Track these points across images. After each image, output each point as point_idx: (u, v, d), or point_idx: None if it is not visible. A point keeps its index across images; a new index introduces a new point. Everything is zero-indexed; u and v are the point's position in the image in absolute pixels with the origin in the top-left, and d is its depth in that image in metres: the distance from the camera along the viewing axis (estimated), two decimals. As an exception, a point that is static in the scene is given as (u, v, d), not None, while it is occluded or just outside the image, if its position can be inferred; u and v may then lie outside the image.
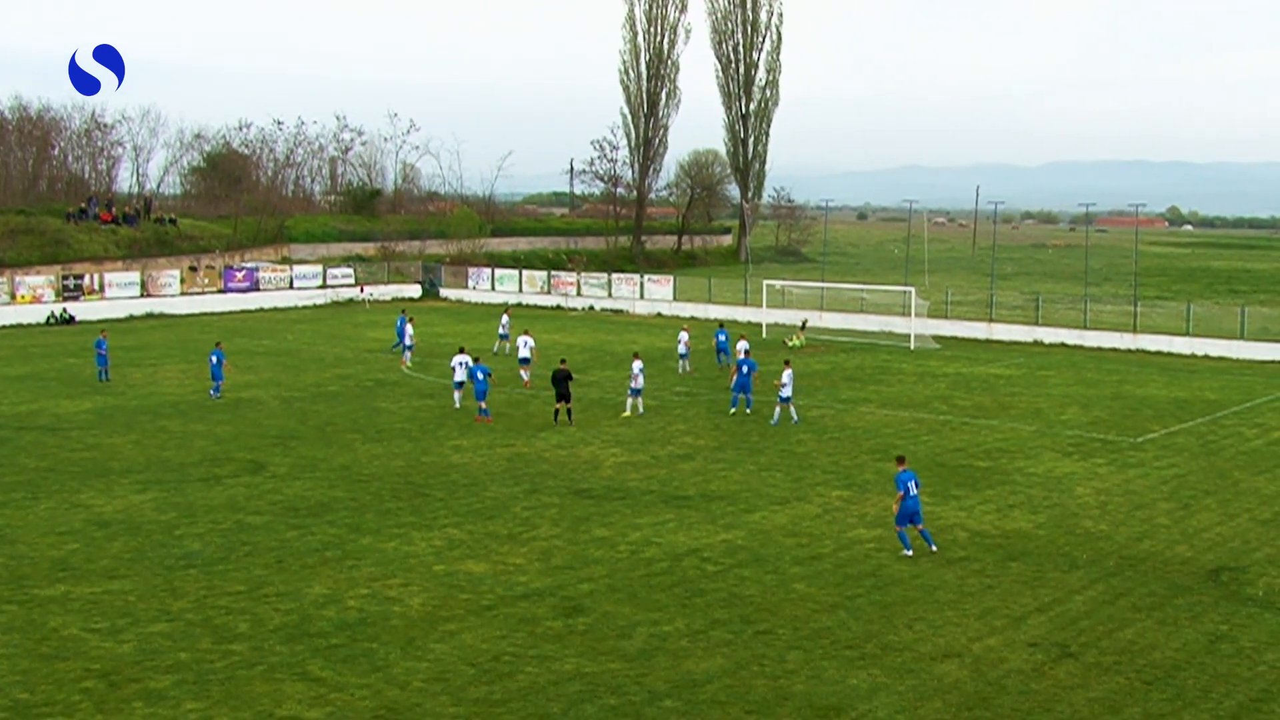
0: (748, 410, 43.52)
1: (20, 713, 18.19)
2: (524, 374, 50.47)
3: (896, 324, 71.69)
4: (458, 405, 44.06)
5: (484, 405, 42.58)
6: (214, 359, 46.15)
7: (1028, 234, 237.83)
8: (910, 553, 26.85)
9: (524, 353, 51.22)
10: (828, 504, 31.50)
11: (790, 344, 64.75)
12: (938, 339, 68.27)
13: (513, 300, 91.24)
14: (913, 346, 65.87)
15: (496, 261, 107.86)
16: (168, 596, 23.55)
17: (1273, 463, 37.35)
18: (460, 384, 44.18)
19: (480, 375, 42.60)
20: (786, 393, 42.17)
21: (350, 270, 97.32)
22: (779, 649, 21.31)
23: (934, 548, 27.03)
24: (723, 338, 57.17)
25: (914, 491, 26.81)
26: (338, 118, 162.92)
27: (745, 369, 43.66)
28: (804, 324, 43.59)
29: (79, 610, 22.71)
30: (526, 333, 53.41)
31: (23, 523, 28.66)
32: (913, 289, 71.30)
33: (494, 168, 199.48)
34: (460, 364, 44.12)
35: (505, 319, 64.17)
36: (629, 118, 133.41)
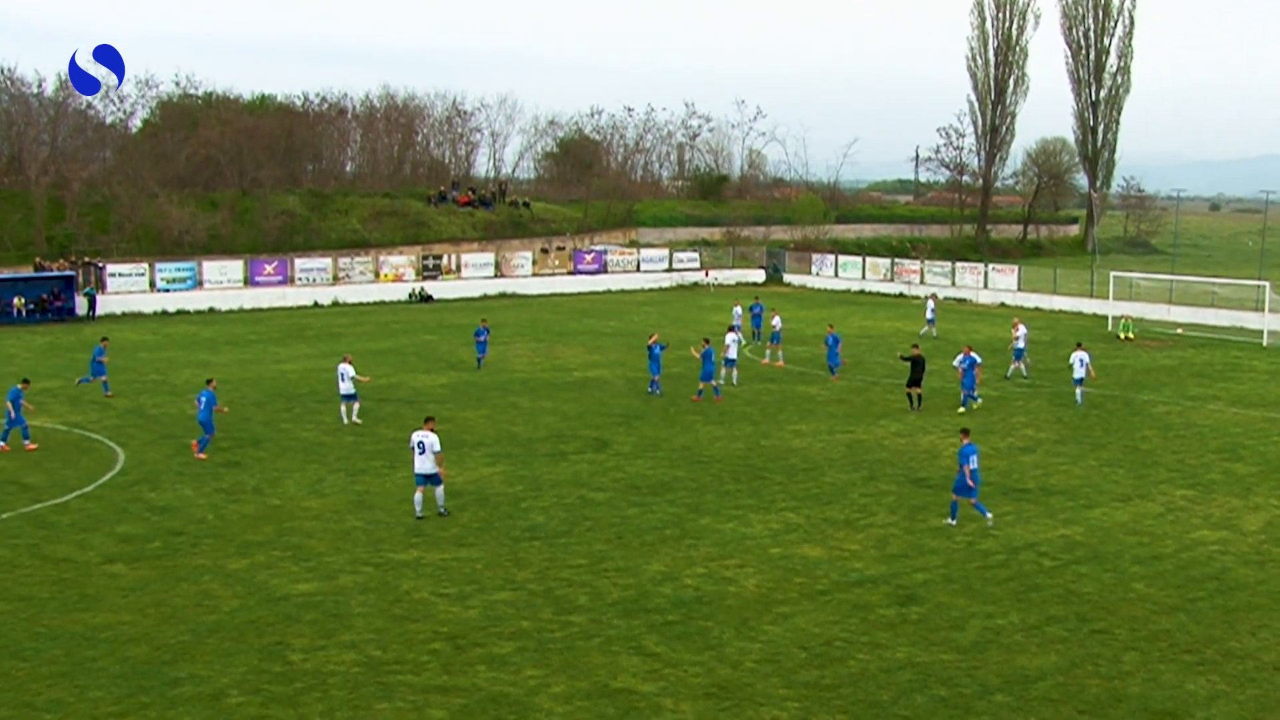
0: (976, 401, 42.00)
1: (373, 669, 19.30)
2: (778, 353, 52.82)
3: (1249, 319, 67.65)
4: (734, 383, 45.69)
5: (701, 387, 43.15)
6: (656, 350, 44.64)
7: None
8: (954, 522, 27.69)
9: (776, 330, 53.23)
10: (1171, 503, 30.09)
11: (1123, 336, 63.51)
12: (1293, 336, 63.99)
13: (855, 287, 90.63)
14: (1265, 343, 61.89)
15: (840, 248, 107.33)
16: (512, 566, 24.51)
17: None
18: (732, 361, 45.97)
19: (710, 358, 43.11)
20: (1079, 373, 42.80)
21: (696, 254, 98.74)
22: (1115, 649, 20.55)
23: (988, 516, 27.68)
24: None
25: (974, 465, 27.39)
26: (686, 105, 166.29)
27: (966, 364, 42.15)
28: (1079, 345, 42.62)
29: (430, 575, 23.91)
30: (774, 311, 55.29)
31: (381, 490, 30.42)
32: (1268, 283, 67.14)
33: (839, 154, 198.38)
34: (734, 341, 46.43)
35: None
36: (975, 105, 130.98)
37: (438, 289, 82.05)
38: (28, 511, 28.22)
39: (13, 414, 34.40)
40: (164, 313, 70.33)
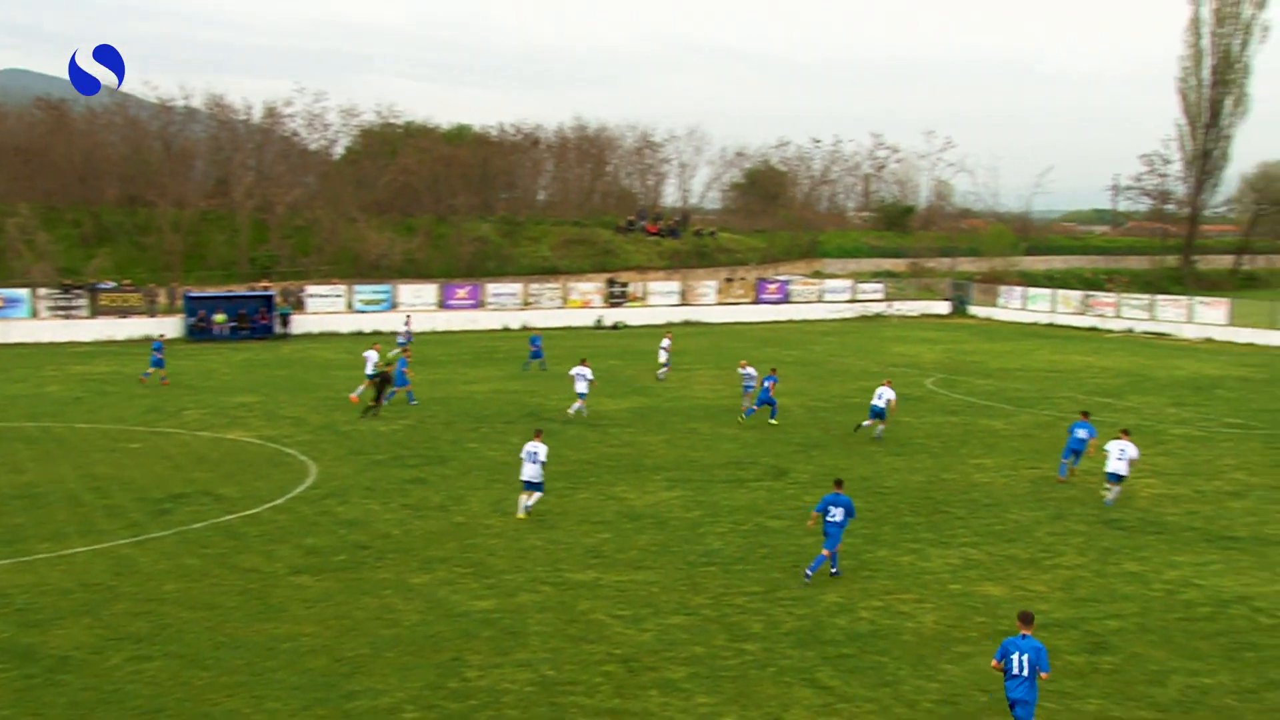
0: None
1: (546, 688, 19.05)
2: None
3: None
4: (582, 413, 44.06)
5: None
6: None
7: None
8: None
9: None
10: (1401, 555, 27.94)
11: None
12: None
13: (1043, 320, 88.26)
14: None
15: (1030, 280, 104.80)
16: (688, 591, 24.08)
17: None
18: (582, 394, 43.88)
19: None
20: (1114, 468, 32.32)
21: (880, 285, 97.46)
22: (1342, 718, 18.81)
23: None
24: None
25: (838, 518, 24.83)
26: (873, 135, 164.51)
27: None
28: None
29: (606, 596, 23.63)
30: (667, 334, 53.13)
31: (562, 510, 30.32)
32: None
33: (1032, 184, 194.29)
34: (580, 375, 43.99)
35: None
36: (1185, 129, 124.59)
37: (622, 315, 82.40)
38: (220, 522, 28.84)
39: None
40: (360, 333, 71.94)
